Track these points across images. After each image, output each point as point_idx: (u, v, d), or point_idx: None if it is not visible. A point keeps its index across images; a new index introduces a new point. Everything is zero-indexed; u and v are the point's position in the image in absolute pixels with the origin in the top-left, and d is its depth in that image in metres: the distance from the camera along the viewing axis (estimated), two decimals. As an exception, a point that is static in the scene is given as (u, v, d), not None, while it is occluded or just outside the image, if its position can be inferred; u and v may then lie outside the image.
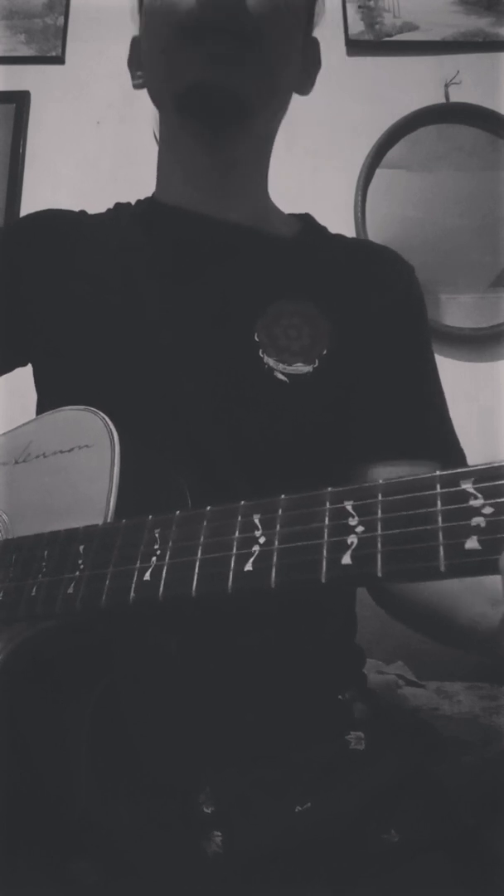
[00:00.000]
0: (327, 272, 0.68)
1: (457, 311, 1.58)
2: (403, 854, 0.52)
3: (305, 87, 0.72)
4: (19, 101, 1.72)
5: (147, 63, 0.67)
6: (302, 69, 0.69)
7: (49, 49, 1.75)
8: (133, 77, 0.72)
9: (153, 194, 0.74)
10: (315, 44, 0.72)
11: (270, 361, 0.61)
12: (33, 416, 0.61)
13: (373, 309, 0.67)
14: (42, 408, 0.67)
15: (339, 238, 0.75)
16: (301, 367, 0.61)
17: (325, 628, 0.62)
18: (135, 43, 0.71)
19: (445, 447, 0.66)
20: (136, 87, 0.72)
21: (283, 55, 0.62)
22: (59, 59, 1.75)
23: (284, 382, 0.60)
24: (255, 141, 0.67)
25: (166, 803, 0.52)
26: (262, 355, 0.61)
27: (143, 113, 1.95)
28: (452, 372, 1.52)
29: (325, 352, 0.62)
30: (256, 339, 0.62)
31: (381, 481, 0.32)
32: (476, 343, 1.57)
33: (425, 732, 0.65)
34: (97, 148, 1.69)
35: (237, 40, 0.57)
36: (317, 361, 0.61)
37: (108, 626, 0.46)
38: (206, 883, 0.51)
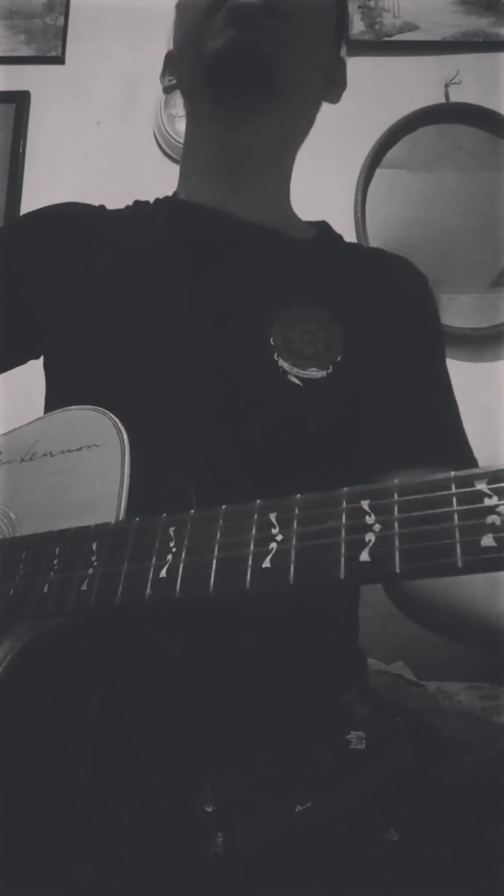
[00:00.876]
0: (343, 279, 0.69)
1: (457, 311, 1.58)
2: (403, 853, 0.52)
3: (333, 97, 0.75)
4: (19, 101, 1.72)
5: (179, 52, 0.69)
6: (330, 80, 0.72)
7: (49, 49, 1.75)
8: (164, 83, 0.75)
9: (174, 192, 0.74)
10: (342, 64, 0.74)
11: (285, 365, 0.61)
12: (35, 415, 0.61)
13: (387, 318, 0.67)
14: (51, 403, 0.67)
15: (355, 246, 0.76)
16: (315, 372, 0.61)
17: (327, 630, 0.62)
18: (168, 57, 0.74)
19: (458, 456, 0.66)
20: (165, 90, 0.75)
21: (307, 31, 0.63)
22: (59, 59, 1.75)
23: (298, 386, 0.60)
24: (279, 131, 0.67)
25: (167, 805, 0.52)
26: (276, 358, 0.61)
27: (143, 113, 1.94)
28: (452, 372, 1.51)
29: (339, 358, 0.62)
30: (272, 342, 0.62)
31: (396, 481, 0.33)
32: (476, 343, 1.57)
33: (425, 732, 0.65)
34: (97, 148, 1.69)
35: (260, 6, 0.59)
36: (330, 367, 0.62)
37: (115, 626, 0.46)
38: (207, 884, 0.51)
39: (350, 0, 1.71)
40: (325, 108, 1.84)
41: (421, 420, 0.65)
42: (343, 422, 0.63)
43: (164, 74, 0.75)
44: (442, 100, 1.66)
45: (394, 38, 1.71)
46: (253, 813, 0.52)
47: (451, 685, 1.07)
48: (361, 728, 0.58)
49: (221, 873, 0.51)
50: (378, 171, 1.65)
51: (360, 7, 1.71)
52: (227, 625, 0.52)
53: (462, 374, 1.54)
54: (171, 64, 0.74)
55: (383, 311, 0.67)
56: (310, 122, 0.73)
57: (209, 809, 0.52)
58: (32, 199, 1.64)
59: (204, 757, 0.53)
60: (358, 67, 1.70)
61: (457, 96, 1.66)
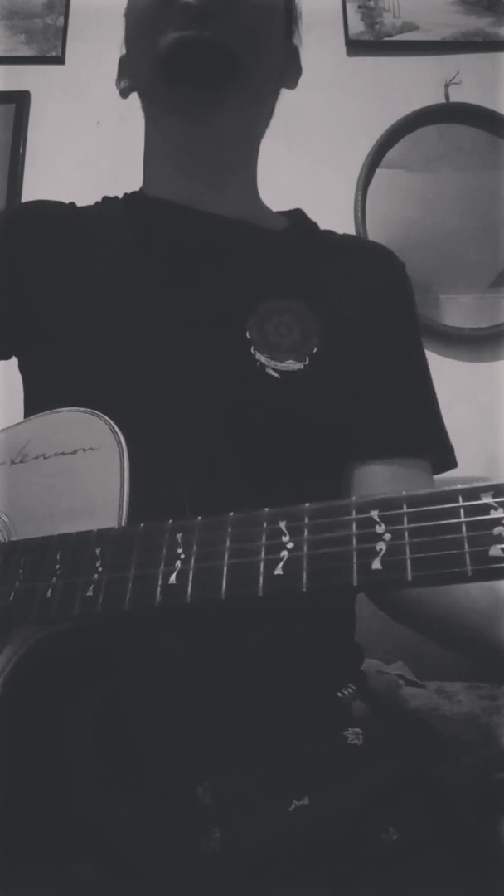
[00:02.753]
0: (317, 269, 0.69)
1: (457, 311, 1.58)
2: (403, 853, 0.52)
3: (290, 83, 0.74)
4: (19, 101, 1.72)
5: (131, 51, 0.68)
6: (286, 68, 0.71)
7: (49, 49, 1.75)
8: (119, 88, 0.75)
9: (141, 188, 0.74)
10: (294, 51, 0.74)
11: (262, 358, 0.61)
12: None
13: (363, 306, 0.67)
14: (31, 404, 0.67)
15: (330, 234, 0.75)
16: (292, 364, 0.61)
17: (323, 626, 0.62)
18: (122, 60, 0.74)
19: (436, 445, 0.68)
20: (122, 94, 0.74)
21: (258, 18, 0.63)
22: (59, 59, 1.75)
23: (276, 379, 0.61)
24: (239, 124, 0.67)
25: (166, 802, 0.52)
26: (253, 352, 0.61)
27: (142, 113, 1.94)
28: (452, 372, 1.52)
29: (315, 349, 0.62)
30: (248, 336, 0.62)
31: (404, 493, 0.35)
32: (476, 343, 1.57)
33: (425, 732, 0.65)
34: (97, 148, 1.69)
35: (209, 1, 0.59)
36: (307, 359, 0.62)
37: (118, 628, 0.46)
38: (206, 882, 0.51)
39: (350, 0, 1.72)
40: (326, 108, 1.84)
41: (398, 411, 0.66)
42: (325, 413, 0.63)
43: (118, 79, 0.75)
44: (442, 100, 1.67)
45: (394, 38, 1.71)
46: (250, 810, 0.52)
47: (450, 685, 1.06)
48: (359, 725, 0.58)
49: (220, 871, 0.51)
50: (378, 172, 1.65)
51: (359, 7, 1.72)
52: (225, 621, 0.52)
53: (462, 374, 1.55)
54: (125, 68, 0.74)
55: (358, 300, 0.67)
56: (269, 113, 0.73)
57: (207, 804, 0.52)
58: (32, 198, 1.64)
59: (202, 753, 0.54)
60: (358, 67, 1.70)
61: (457, 96, 1.66)
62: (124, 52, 0.72)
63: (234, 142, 0.68)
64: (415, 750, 0.59)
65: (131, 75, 0.72)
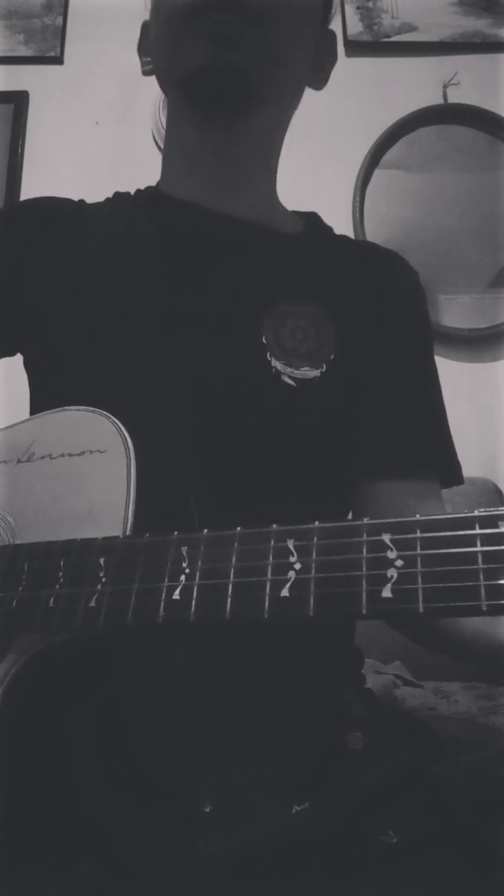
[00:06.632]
0: (333, 273, 0.68)
1: (456, 311, 1.58)
2: (402, 853, 0.51)
3: (320, 81, 0.72)
4: (18, 101, 1.72)
5: (154, 47, 0.67)
6: (316, 62, 0.69)
7: (48, 49, 1.75)
8: (142, 63, 0.72)
9: (157, 184, 0.73)
10: (332, 37, 0.71)
11: (278, 365, 0.60)
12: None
13: (378, 314, 0.66)
14: (37, 403, 0.66)
15: (345, 239, 0.74)
16: (308, 372, 0.60)
17: (324, 628, 0.62)
18: (145, 28, 0.71)
19: (445, 463, 0.66)
20: (145, 73, 0.72)
21: (291, 37, 0.61)
22: (58, 60, 1.75)
23: (292, 387, 0.59)
24: (262, 132, 0.66)
25: (168, 805, 0.52)
26: (269, 358, 0.60)
27: (142, 113, 1.95)
28: (452, 372, 1.52)
29: (332, 356, 0.61)
30: (264, 341, 0.61)
31: (418, 516, 0.33)
32: (475, 343, 1.57)
33: (423, 732, 0.65)
34: (96, 148, 1.69)
35: (241, 17, 0.57)
36: (324, 366, 0.61)
37: (121, 636, 0.45)
38: (206, 885, 0.51)
39: (348, 1, 1.72)
40: (325, 107, 1.84)
41: (409, 428, 0.65)
42: (339, 423, 0.62)
43: (141, 49, 0.72)
44: (440, 100, 1.67)
45: (392, 38, 1.71)
46: (251, 813, 0.52)
47: (448, 685, 1.07)
48: (359, 728, 0.58)
49: (220, 874, 0.51)
50: (376, 172, 1.65)
51: (358, 8, 1.72)
52: (226, 626, 0.52)
53: (462, 374, 1.56)
54: (148, 39, 0.70)
55: (374, 307, 0.66)
56: (295, 107, 0.70)
57: (207, 809, 0.52)
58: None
59: (203, 756, 0.53)
60: (356, 68, 1.70)
61: (455, 97, 1.67)
62: (148, 18, 0.68)
63: (253, 151, 0.67)
64: (413, 750, 0.59)
65: (154, 64, 0.69)
